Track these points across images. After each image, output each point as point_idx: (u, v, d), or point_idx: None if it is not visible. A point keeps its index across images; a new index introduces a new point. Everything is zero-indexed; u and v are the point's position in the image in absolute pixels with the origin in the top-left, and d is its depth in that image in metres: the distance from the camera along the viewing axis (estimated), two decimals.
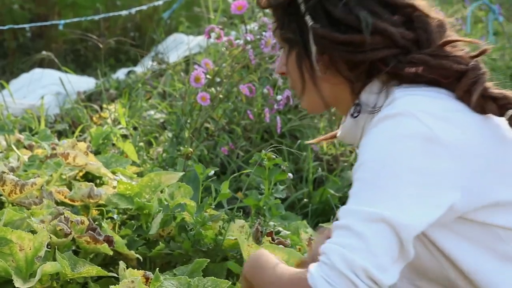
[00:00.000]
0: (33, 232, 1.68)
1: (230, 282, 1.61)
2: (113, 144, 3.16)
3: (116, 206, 2.18)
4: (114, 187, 2.38)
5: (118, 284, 1.46)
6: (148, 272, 1.60)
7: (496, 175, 1.27)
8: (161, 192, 2.27)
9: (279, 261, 1.32)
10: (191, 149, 2.68)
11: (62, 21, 4.72)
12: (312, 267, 1.18)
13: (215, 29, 3.11)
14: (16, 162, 2.51)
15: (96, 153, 2.94)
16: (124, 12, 5.19)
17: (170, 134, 3.29)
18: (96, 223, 1.94)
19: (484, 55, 1.38)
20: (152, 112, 3.85)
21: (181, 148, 2.78)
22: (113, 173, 2.54)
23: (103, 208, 2.22)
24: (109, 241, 1.83)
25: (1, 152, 2.85)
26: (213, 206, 2.15)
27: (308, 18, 1.34)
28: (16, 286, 1.51)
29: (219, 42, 3.14)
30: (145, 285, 1.54)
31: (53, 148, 2.81)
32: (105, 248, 1.81)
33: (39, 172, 2.42)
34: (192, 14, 6.99)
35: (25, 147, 2.96)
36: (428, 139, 1.21)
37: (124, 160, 2.67)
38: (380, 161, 1.21)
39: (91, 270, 1.64)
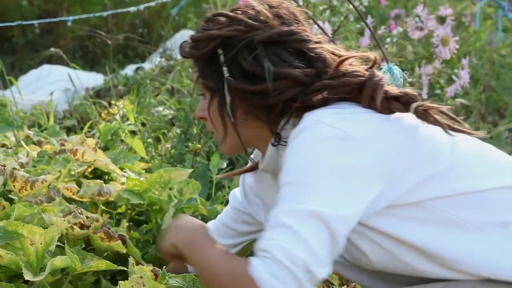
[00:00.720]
0: (44, 227, 1.69)
1: None
2: (122, 140, 3.17)
3: (127, 202, 2.18)
4: (123, 184, 2.39)
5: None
6: (157, 269, 1.60)
7: (409, 160, 1.38)
8: (170, 189, 2.27)
9: (216, 241, 1.39)
10: (199, 145, 2.69)
11: (71, 18, 4.73)
12: (253, 260, 1.26)
13: None
14: (25, 158, 2.52)
15: (105, 149, 2.95)
16: (132, 9, 5.20)
17: (178, 130, 3.30)
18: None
19: (377, 64, 1.52)
20: (160, 108, 3.86)
21: (190, 144, 2.78)
22: (121, 169, 2.54)
23: (112, 211, 2.23)
24: (122, 240, 1.84)
25: (10, 148, 2.87)
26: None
27: (225, 70, 1.47)
28: (26, 279, 1.52)
29: None
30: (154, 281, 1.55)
31: (62, 144, 2.82)
32: (118, 245, 1.81)
33: (48, 168, 2.43)
34: (200, 10, 6.99)
35: (34, 143, 2.97)
36: (341, 138, 1.33)
37: (132, 156, 2.67)
38: (302, 165, 1.33)
39: (101, 264, 1.64)
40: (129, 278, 1.49)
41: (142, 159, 2.89)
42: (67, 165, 2.38)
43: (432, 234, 1.38)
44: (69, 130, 3.80)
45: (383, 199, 1.36)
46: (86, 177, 2.55)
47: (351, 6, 4.32)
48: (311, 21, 1.56)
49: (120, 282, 1.45)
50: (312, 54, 1.47)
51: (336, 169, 1.31)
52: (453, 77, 3.47)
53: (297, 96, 1.44)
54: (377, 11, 5.82)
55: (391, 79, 2.19)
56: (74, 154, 2.30)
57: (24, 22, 4.82)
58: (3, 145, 2.89)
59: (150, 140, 3.27)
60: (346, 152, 1.32)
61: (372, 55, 1.51)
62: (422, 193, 1.37)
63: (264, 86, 1.43)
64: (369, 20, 3.66)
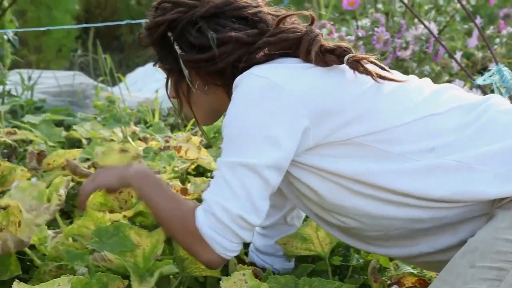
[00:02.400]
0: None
1: (337, 283, 1.60)
2: None
3: None
4: None
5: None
6: (257, 269, 1.61)
7: (335, 102, 1.48)
8: None
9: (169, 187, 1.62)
10: None
11: None
12: (198, 212, 1.47)
13: (326, 25, 3.09)
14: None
15: (207, 146, 3.00)
16: None
17: None
18: None
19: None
20: None
21: None
22: None
23: None
24: None
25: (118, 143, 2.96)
26: None
27: (177, 48, 1.62)
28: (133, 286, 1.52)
29: (330, 38, 3.13)
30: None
31: (167, 141, 2.90)
32: None
33: (153, 164, 2.50)
34: (302, 8, 7.01)
35: (140, 139, 3.07)
36: (268, 87, 1.46)
37: None
38: (233, 119, 1.48)
39: (203, 271, 1.67)
40: (231, 275, 1.50)
41: None
42: (172, 162, 2.44)
43: (362, 165, 1.48)
44: (173, 128, 3.89)
45: (310, 139, 1.48)
46: (189, 174, 2.61)
47: (457, 5, 4.21)
48: None
49: (223, 278, 1.47)
50: (254, 18, 1.60)
51: (261, 119, 1.45)
52: None
53: (242, 56, 1.57)
54: (485, 10, 5.65)
55: (500, 81, 2.13)
56: (178, 151, 2.36)
57: (133, 21, 4.95)
58: (111, 140, 3.00)
59: None
60: (272, 100, 1.46)
61: (309, 13, 1.64)
62: (348, 133, 1.47)
63: (212, 52, 1.56)
64: (478, 20, 3.56)
